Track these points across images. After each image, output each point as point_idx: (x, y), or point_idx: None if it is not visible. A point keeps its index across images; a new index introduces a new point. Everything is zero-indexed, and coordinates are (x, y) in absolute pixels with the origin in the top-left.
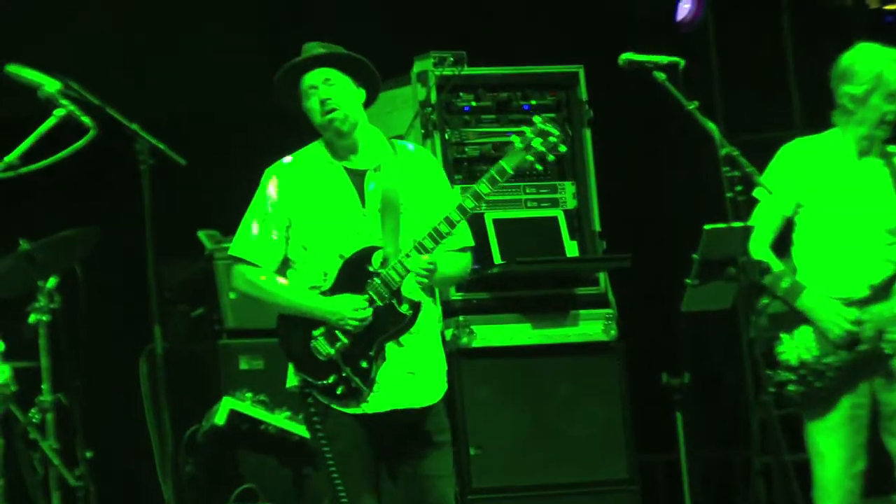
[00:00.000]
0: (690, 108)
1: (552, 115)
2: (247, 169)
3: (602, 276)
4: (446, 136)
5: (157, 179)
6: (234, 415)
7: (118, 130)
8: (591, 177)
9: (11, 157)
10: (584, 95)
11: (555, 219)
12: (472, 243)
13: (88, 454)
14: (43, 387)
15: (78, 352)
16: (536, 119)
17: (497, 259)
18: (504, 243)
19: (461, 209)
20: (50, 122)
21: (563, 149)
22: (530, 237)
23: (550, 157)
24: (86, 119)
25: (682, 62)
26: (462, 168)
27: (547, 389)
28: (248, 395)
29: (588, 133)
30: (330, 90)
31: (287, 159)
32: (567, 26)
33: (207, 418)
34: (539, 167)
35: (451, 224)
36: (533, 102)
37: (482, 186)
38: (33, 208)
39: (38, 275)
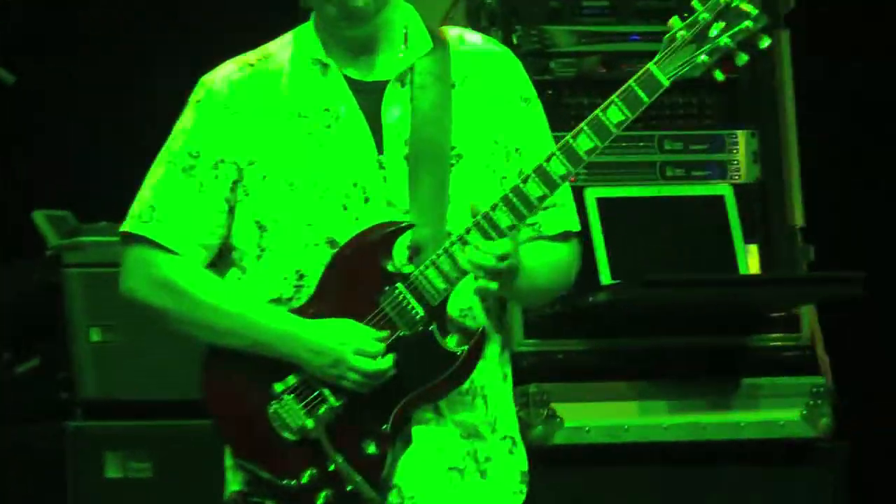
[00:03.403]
0: None
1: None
2: (133, 103)
3: (805, 314)
4: (514, 40)
5: None
6: None
7: None
8: (788, 123)
9: None
10: None
11: (719, 200)
12: (577, 227)
13: None
14: None
15: None
16: None
17: (605, 277)
18: (619, 246)
19: (569, 156)
20: None
21: (765, 41)
22: (671, 235)
23: (742, 59)
24: None
25: None
26: (543, 98)
27: None
28: None
29: (786, 39)
30: None
31: (241, 61)
32: None
33: None
34: (719, 76)
35: (549, 185)
36: None
37: (613, 112)
38: None
39: None
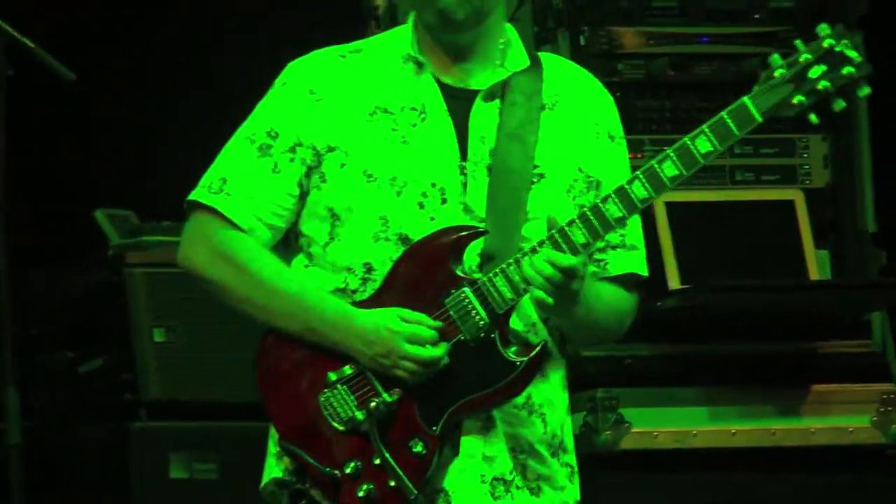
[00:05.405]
0: None
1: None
2: (197, 100)
3: (876, 320)
4: (581, 41)
5: (21, 111)
6: None
7: None
8: (861, 127)
9: None
10: None
11: (789, 205)
12: (644, 272)
13: None
14: None
15: None
16: (823, 29)
17: (674, 281)
18: (688, 251)
19: (652, 180)
20: None
21: (864, 91)
22: (740, 239)
23: (839, 105)
24: None
25: None
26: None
27: None
28: None
29: (859, 41)
30: None
31: (332, 50)
32: None
33: None
34: (814, 119)
35: (629, 207)
36: None
37: (702, 142)
38: None
39: None
